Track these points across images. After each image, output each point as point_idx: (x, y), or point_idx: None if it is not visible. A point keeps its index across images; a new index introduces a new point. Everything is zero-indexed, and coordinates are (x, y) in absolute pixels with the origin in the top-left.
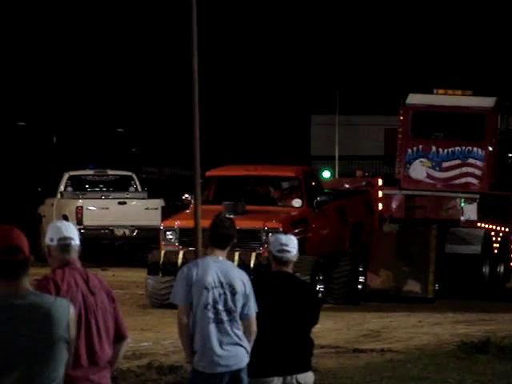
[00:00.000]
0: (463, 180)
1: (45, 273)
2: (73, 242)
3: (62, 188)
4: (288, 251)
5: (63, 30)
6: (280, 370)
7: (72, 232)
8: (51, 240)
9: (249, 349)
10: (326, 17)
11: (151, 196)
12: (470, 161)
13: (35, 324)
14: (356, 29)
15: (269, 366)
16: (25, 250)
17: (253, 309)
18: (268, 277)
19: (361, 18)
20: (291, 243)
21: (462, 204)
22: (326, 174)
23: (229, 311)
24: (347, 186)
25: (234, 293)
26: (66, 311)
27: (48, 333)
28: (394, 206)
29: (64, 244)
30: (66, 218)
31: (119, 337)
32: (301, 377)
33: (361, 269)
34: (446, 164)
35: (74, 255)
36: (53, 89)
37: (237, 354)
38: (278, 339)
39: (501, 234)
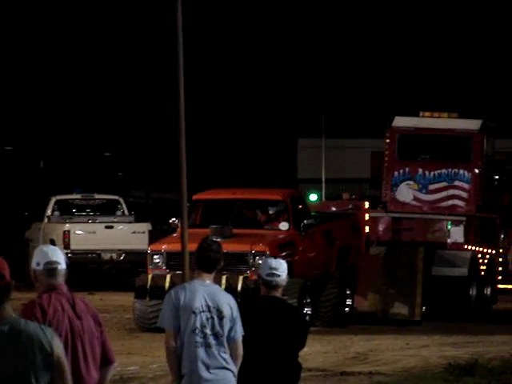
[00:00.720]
0: (450, 202)
1: (32, 297)
2: (59, 267)
3: (49, 212)
4: (277, 275)
5: (49, 55)
6: None
7: (58, 256)
8: (37, 264)
9: (236, 372)
10: (312, 40)
11: (138, 220)
12: (457, 183)
13: (16, 350)
14: (342, 52)
15: None
16: (6, 276)
17: (239, 332)
18: (256, 301)
19: (346, 41)
20: (281, 267)
21: (449, 226)
22: (313, 197)
23: (216, 335)
24: (334, 209)
25: (221, 317)
26: (48, 339)
27: (29, 359)
28: (380, 228)
29: (50, 268)
30: (53, 242)
31: (106, 361)
32: None
33: (348, 292)
34: (432, 186)
35: (61, 280)
36: (40, 113)
37: (224, 377)
38: (265, 363)
39: (487, 256)
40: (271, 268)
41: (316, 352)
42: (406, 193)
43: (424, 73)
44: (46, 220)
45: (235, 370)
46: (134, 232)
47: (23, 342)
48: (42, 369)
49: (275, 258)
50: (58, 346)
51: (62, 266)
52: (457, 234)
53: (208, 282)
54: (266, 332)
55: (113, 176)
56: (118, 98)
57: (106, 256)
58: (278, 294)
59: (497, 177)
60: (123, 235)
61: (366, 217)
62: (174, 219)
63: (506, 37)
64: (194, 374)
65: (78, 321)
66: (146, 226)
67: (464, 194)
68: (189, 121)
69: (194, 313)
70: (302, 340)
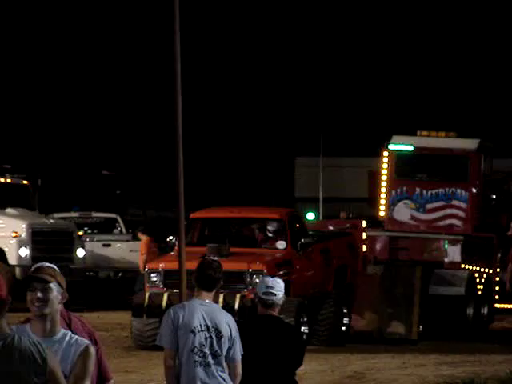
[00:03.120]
0: (447, 222)
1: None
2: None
3: None
4: (274, 294)
5: (42, 70)
6: None
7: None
8: None
9: None
10: (309, 60)
11: (136, 238)
12: (454, 202)
13: (10, 365)
14: (340, 72)
15: None
16: (2, 292)
17: (238, 352)
18: (253, 320)
19: (344, 61)
20: (277, 286)
21: (446, 246)
22: (311, 216)
23: (214, 354)
24: (331, 227)
25: (219, 336)
26: (41, 353)
27: (22, 376)
28: (378, 247)
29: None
30: None
31: (103, 379)
32: None
33: (345, 310)
34: (429, 206)
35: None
36: (38, 131)
37: None
38: (263, 382)
39: (484, 276)
40: (268, 287)
41: (313, 371)
42: (403, 212)
43: (422, 92)
44: None
45: None
46: (131, 250)
47: (16, 359)
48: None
49: (272, 276)
50: (51, 360)
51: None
52: (454, 253)
53: (207, 301)
54: (263, 350)
55: (111, 194)
56: (116, 116)
57: (104, 274)
58: (275, 312)
59: (494, 196)
60: (121, 253)
61: (364, 236)
62: (171, 237)
63: (505, 57)
64: None
65: None
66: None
67: (461, 214)
68: (186, 139)
69: (192, 332)
70: (298, 358)
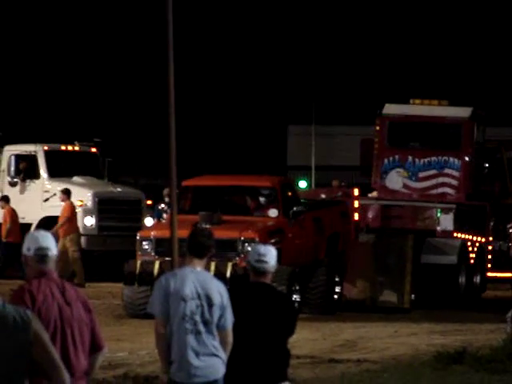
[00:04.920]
0: (440, 190)
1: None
2: (50, 253)
3: None
4: (266, 262)
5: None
6: (256, 381)
7: (49, 242)
8: (28, 250)
9: (225, 359)
10: (301, 27)
11: None
12: (447, 171)
13: None
14: (332, 40)
15: (245, 376)
16: None
17: (229, 320)
18: (245, 287)
19: (336, 28)
20: (269, 254)
21: (439, 214)
22: (303, 184)
23: (206, 322)
24: (323, 196)
25: (211, 304)
26: (24, 319)
27: (8, 340)
28: (370, 215)
29: (41, 254)
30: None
31: (95, 347)
32: None
33: (337, 279)
34: (422, 174)
35: (51, 266)
36: (29, 99)
37: (213, 364)
38: (254, 350)
39: (477, 244)
40: (260, 254)
41: (305, 339)
42: (395, 180)
43: (414, 60)
44: None
45: (224, 357)
46: None
47: (1, 325)
48: (21, 348)
49: (264, 244)
50: (35, 323)
51: (53, 252)
52: (446, 221)
53: (199, 268)
54: (255, 318)
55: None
56: (106, 84)
57: None
58: (267, 280)
59: (487, 165)
60: None
61: (356, 204)
62: (162, 205)
63: (497, 25)
64: (183, 360)
65: (68, 307)
66: None
67: (454, 182)
68: (178, 108)
69: (183, 300)
70: (290, 327)
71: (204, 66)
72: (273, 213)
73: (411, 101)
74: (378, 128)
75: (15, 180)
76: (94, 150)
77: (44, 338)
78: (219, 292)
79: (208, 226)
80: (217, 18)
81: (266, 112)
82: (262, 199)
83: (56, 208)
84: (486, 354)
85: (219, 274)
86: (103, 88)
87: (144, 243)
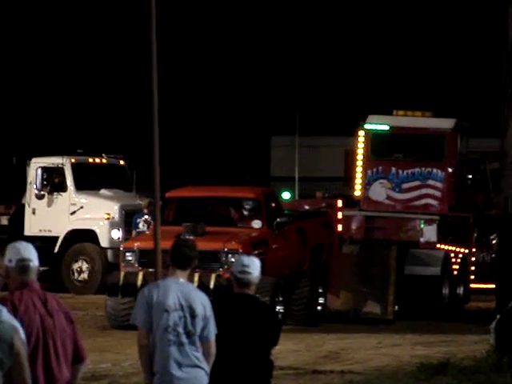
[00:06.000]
0: (423, 201)
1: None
2: (31, 264)
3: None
4: (249, 273)
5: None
6: None
7: (31, 253)
8: (10, 261)
9: (208, 371)
10: (285, 39)
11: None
12: (430, 182)
13: None
14: (316, 51)
15: None
16: None
17: (212, 331)
18: (229, 298)
19: (319, 40)
20: (253, 265)
21: (422, 225)
22: (286, 196)
23: (188, 334)
24: (307, 207)
25: (193, 316)
26: (9, 331)
27: None
28: (353, 227)
29: (22, 265)
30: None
31: (78, 358)
32: None
33: (320, 290)
34: (405, 185)
35: (33, 277)
36: (14, 107)
37: (196, 376)
38: (237, 361)
39: (460, 256)
40: (243, 265)
41: (288, 350)
42: (379, 191)
43: (398, 71)
44: None
45: (207, 368)
46: None
47: None
48: (4, 357)
49: (248, 255)
50: (18, 339)
51: (35, 263)
52: (430, 233)
53: (182, 280)
54: (239, 329)
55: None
56: (91, 95)
57: None
58: (251, 291)
59: (470, 176)
60: None
61: (339, 215)
62: (146, 216)
63: (480, 38)
64: (166, 372)
65: (50, 318)
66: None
67: (437, 193)
68: (162, 118)
69: (166, 311)
70: (274, 338)
71: (188, 76)
72: (256, 224)
73: (394, 112)
74: (361, 139)
75: (42, 193)
76: (121, 162)
77: (23, 358)
78: (202, 303)
79: (191, 237)
80: (200, 29)
81: (250, 123)
82: (245, 210)
83: (83, 221)
84: (470, 365)
85: (203, 286)
86: (88, 101)
87: (127, 254)
